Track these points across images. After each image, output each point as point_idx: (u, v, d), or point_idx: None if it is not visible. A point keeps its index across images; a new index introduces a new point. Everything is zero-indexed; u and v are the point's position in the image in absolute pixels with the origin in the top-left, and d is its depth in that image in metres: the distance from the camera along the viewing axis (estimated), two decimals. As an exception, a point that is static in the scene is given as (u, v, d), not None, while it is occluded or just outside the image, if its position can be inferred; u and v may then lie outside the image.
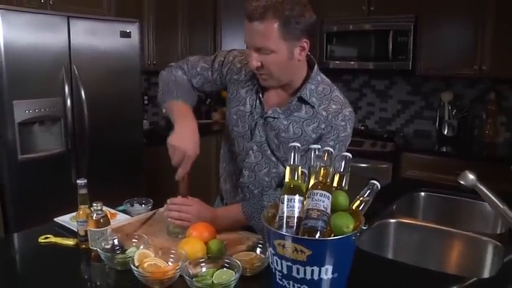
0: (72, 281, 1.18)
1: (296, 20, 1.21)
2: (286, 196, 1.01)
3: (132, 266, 1.07)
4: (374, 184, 1.08)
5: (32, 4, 2.63)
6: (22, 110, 2.35)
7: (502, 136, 3.35)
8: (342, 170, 1.10)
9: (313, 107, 1.36)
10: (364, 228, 0.98)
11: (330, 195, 1.00)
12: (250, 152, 1.45)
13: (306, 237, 0.94)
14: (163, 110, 1.49)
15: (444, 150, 3.27)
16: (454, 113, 3.39)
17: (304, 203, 1.01)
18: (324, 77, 1.42)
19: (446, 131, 3.39)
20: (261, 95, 1.41)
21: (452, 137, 3.39)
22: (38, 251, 1.34)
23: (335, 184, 1.09)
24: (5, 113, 2.31)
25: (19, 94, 2.34)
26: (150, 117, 3.95)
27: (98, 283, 1.19)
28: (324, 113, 1.35)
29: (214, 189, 3.63)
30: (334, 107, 1.35)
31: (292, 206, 1.00)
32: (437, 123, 3.47)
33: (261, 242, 1.25)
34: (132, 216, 1.57)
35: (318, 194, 0.98)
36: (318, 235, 0.95)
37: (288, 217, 0.99)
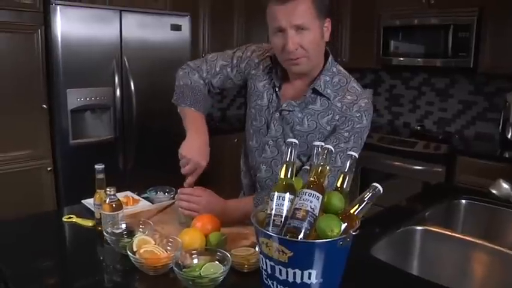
0: (82, 259, 1.24)
1: None
2: (276, 193, 0.98)
3: (128, 251, 1.11)
4: (376, 187, 1.02)
5: (91, 0, 2.80)
6: (74, 98, 2.52)
7: None
8: (345, 170, 1.05)
9: (328, 99, 1.32)
10: (354, 233, 0.92)
11: (321, 196, 0.95)
12: (266, 146, 1.43)
13: (287, 237, 0.91)
14: (178, 110, 1.52)
15: (506, 155, 2.98)
16: (521, 115, 3.08)
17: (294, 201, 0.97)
18: (341, 68, 1.38)
19: (510, 134, 3.09)
20: (277, 89, 1.39)
21: (518, 142, 3.09)
22: (59, 228, 1.44)
23: (338, 184, 1.05)
24: (60, 101, 2.49)
25: (72, 83, 2.51)
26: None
27: (104, 264, 1.24)
28: (339, 104, 1.31)
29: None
30: (349, 98, 1.31)
31: (281, 204, 0.97)
32: (500, 126, 3.18)
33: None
34: (153, 204, 1.62)
35: (307, 194, 0.94)
36: (300, 236, 0.91)
37: (275, 215, 0.96)
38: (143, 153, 2.84)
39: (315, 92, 1.33)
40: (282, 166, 1.03)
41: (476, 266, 1.49)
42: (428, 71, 3.64)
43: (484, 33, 2.99)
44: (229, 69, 1.50)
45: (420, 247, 1.57)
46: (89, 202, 1.59)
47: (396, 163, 3.29)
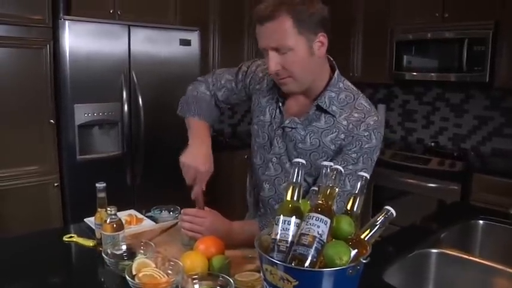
0: (81, 280, 1.20)
1: (310, 12, 1.14)
2: (281, 217, 0.93)
3: (126, 275, 1.05)
4: (388, 211, 0.96)
5: (101, 14, 2.80)
6: (82, 113, 2.51)
7: None
8: (355, 192, 0.99)
9: (333, 116, 1.25)
10: (364, 261, 0.86)
11: (329, 220, 0.89)
12: (270, 164, 1.38)
13: (292, 265, 0.85)
14: (186, 122, 1.48)
15: (525, 173, 2.88)
16: (540, 131, 2.98)
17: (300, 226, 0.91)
18: (349, 83, 1.31)
19: (529, 151, 2.99)
20: (280, 104, 1.34)
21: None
22: (60, 248, 1.39)
23: (348, 207, 0.99)
24: (67, 116, 2.48)
25: (80, 98, 2.50)
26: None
27: (105, 286, 1.19)
28: (345, 122, 1.24)
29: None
30: (356, 115, 1.24)
31: (287, 229, 0.91)
32: (518, 143, 3.08)
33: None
34: (156, 223, 1.57)
35: (314, 218, 0.88)
36: (306, 264, 0.85)
37: (280, 240, 0.91)
38: (151, 169, 2.81)
39: (319, 108, 1.27)
40: (288, 187, 0.98)
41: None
42: (443, 86, 3.56)
43: (500, 47, 2.91)
44: (233, 84, 1.46)
45: (435, 271, 1.48)
46: (91, 220, 1.54)
47: (409, 180, 3.20)
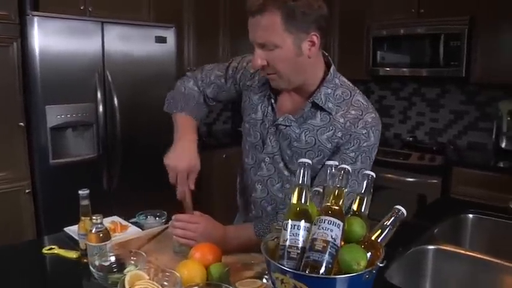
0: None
1: (302, 11, 1.08)
2: (290, 222, 0.87)
3: (119, 290, 0.97)
4: (399, 211, 0.92)
5: (71, 11, 2.66)
6: (54, 115, 2.37)
7: None
8: (362, 192, 0.95)
9: (329, 113, 1.21)
10: (381, 265, 0.81)
11: (341, 224, 0.84)
12: (262, 164, 1.32)
13: (307, 273, 0.80)
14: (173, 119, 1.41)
15: (501, 165, 2.94)
16: (514, 124, 3.05)
17: (311, 230, 0.86)
18: (345, 79, 1.27)
19: (504, 144, 3.05)
20: (273, 101, 1.28)
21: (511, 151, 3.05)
22: (39, 262, 1.28)
23: (354, 208, 0.94)
24: (38, 118, 2.33)
25: (52, 99, 2.36)
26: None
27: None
28: (341, 120, 1.20)
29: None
30: (353, 112, 1.20)
31: (296, 234, 0.86)
32: (494, 136, 3.14)
33: (270, 268, 1.11)
34: (143, 230, 1.49)
35: (326, 222, 0.83)
36: (322, 271, 0.79)
37: (290, 247, 0.85)
38: (129, 172, 2.69)
39: (315, 105, 1.22)
40: (294, 189, 0.92)
41: (492, 285, 1.40)
42: (418, 81, 3.60)
43: (475, 42, 2.96)
44: (223, 80, 1.40)
45: (432, 268, 1.47)
46: (72, 230, 1.44)
47: (389, 175, 3.20)
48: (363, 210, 0.94)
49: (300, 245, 0.85)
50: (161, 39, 2.83)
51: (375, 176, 0.96)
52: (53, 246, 1.33)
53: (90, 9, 2.76)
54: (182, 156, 1.24)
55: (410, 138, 3.57)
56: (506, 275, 1.37)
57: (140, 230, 1.49)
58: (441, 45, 3.04)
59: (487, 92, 3.28)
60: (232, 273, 1.11)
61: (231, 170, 3.57)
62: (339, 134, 1.19)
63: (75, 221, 1.48)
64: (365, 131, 1.18)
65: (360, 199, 0.95)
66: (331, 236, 0.82)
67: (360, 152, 1.19)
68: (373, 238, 0.90)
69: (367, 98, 1.26)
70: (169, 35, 2.88)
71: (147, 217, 1.55)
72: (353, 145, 1.19)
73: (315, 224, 0.85)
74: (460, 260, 1.43)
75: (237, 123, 4.18)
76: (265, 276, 1.09)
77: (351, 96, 1.23)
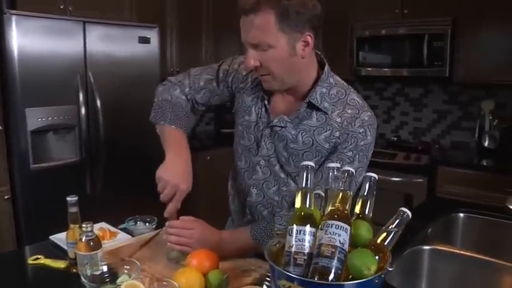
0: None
1: (296, 10, 1.05)
2: (295, 227, 0.84)
3: (115, 302, 0.92)
4: (404, 213, 0.90)
5: (51, 10, 2.57)
6: (35, 118, 2.28)
7: (551, 149, 3.03)
8: (365, 194, 0.92)
9: (325, 113, 1.19)
10: (390, 270, 0.79)
11: (349, 228, 0.82)
12: (258, 167, 1.28)
13: (316, 280, 0.77)
14: (157, 130, 1.35)
15: (485, 164, 2.98)
16: (496, 123, 3.10)
17: (317, 235, 0.83)
18: (338, 78, 1.25)
19: (487, 142, 3.10)
20: (266, 102, 1.25)
21: (494, 150, 3.10)
22: (25, 273, 1.22)
23: (356, 211, 0.92)
24: (17, 121, 2.24)
25: (32, 102, 2.27)
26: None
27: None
28: (338, 119, 1.18)
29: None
30: (350, 111, 1.18)
31: (302, 240, 0.83)
32: (476, 135, 3.19)
33: (270, 274, 1.08)
34: (133, 236, 1.43)
35: (334, 226, 0.81)
36: (331, 277, 0.77)
37: (296, 253, 0.82)
38: (113, 176, 2.62)
39: (310, 105, 1.19)
40: (297, 193, 0.90)
41: (488, 283, 1.40)
42: (402, 81, 3.63)
43: (458, 42, 3.00)
44: (214, 84, 1.35)
45: (428, 267, 1.46)
46: (58, 238, 1.38)
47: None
48: (366, 213, 0.91)
49: (307, 250, 0.82)
50: (145, 40, 2.77)
51: (377, 177, 0.94)
52: (39, 256, 1.26)
53: (70, 8, 2.68)
54: (182, 175, 1.19)
55: (395, 138, 3.60)
56: (499, 273, 1.37)
57: (130, 236, 1.44)
58: (425, 46, 3.06)
59: (469, 91, 3.32)
60: (230, 280, 1.08)
61: (215, 173, 3.54)
62: (337, 134, 1.17)
63: (58, 228, 1.42)
64: (362, 129, 1.17)
65: (362, 201, 0.92)
66: (339, 241, 0.79)
67: (357, 151, 1.17)
68: (378, 241, 0.88)
69: (361, 97, 1.24)
70: (153, 35, 2.82)
71: (136, 223, 1.50)
72: (350, 144, 1.17)
73: (321, 229, 0.82)
74: (455, 260, 1.44)
75: (220, 125, 4.14)
76: (266, 283, 1.06)
77: (346, 95, 1.21)
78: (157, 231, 1.44)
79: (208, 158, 3.43)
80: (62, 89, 2.38)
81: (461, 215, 1.79)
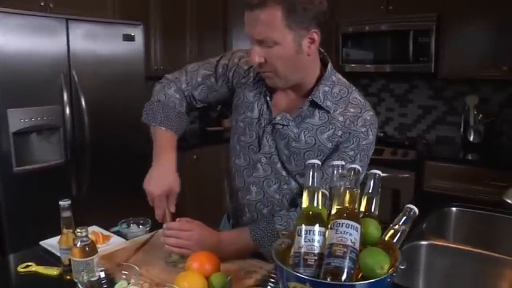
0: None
1: (303, 6, 1.03)
2: (304, 227, 0.82)
3: (116, 310, 0.89)
4: (411, 210, 0.89)
5: (30, 7, 2.49)
6: (17, 119, 2.20)
7: (534, 143, 3.10)
8: (370, 191, 0.91)
9: (328, 111, 1.17)
10: (402, 267, 0.78)
11: (359, 226, 0.80)
12: (259, 164, 1.26)
13: (329, 281, 0.75)
14: (151, 131, 1.32)
15: (470, 158, 3.03)
16: (480, 118, 3.15)
17: (326, 235, 0.81)
18: (341, 77, 1.24)
19: (472, 137, 3.15)
20: (268, 98, 1.23)
21: (479, 144, 3.15)
22: (16, 282, 1.17)
23: (362, 209, 0.90)
24: (-1, 123, 2.16)
25: (14, 102, 2.19)
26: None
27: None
28: (341, 118, 1.16)
29: (225, 205, 3.41)
30: (352, 110, 1.17)
31: (312, 240, 0.81)
32: (461, 129, 3.24)
33: (273, 275, 1.05)
34: (127, 240, 1.39)
35: (344, 225, 0.79)
36: (344, 277, 0.75)
37: (306, 253, 0.80)
38: (99, 177, 2.56)
39: (313, 104, 1.18)
40: (304, 192, 0.88)
41: (485, 276, 1.41)
42: (387, 77, 3.66)
43: (442, 39, 3.03)
44: (213, 80, 1.32)
45: (426, 262, 1.47)
46: (49, 244, 1.33)
47: (363, 171, 3.23)
48: (372, 211, 0.90)
49: (317, 250, 0.80)
50: (129, 38, 2.70)
51: (381, 174, 0.93)
52: (29, 263, 1.21)
53: (51, 5, 2.61)
54: (159, 181, 1.19)
55: (381, 134, 3.62)
56: (495, 265, 1.39)
57: (124, 239, 1.39)
58: (410, 42, 3.09)
59: (453, 87, 3.37)
60: (233, 282, 1.05)
61: (202, 172, 3.50)
62: (339, 133, 1.16)
63: (45, 233, 1.37)
64: (364, 129, 1.16)
65: (368, 199, 0.91)
66: (351, 240, 0.77)
67: (358, 151, 1.16)
68: (386, 239, 0.87)
69: (363, 96, 1.23)
70: (137, 33, 2.76)
71: (129, 225, 1.46)
72: (352, 143, 1.16)
73: (331, 228, 0.80)
74: (452, 254, 1.45)
75: (205, 123, 4.10)
76: (271, 284, 1.03)
77: (348, 93, 1.20)
78: (152, 233, 1.40)
79: (194, 157, 3.39)
80: (45, 88, 2.31)
81: (454, 209, 1.81)
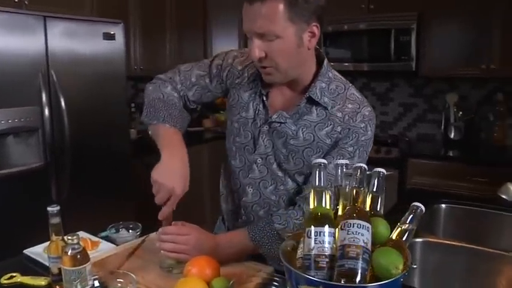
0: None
1: None
2: (313, 228, 0.80)
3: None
4: (418, 207, 0.88)
5: (3, 3, 2.38)
6: (-7, 121, 2.10)
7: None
8: (375, 190, 0.89)
9: (325, 108, 1.16)
10: (414, 267, 0.76)
11: (370, 226, 0.78)
12: (254, 165, 1.23)
13: (343, 283, 0.73)
14: (149, 132, 1.26)
15: (451, 154, 3.08)
16: (460, 115, 3.21)
17: (336, 236, 0.79)
18: (337, 73, 1.23)
19: (452, 134, 3.21)
20: (264, 98, 1.20)
21: (459, 141, 3.22)
22: (0, 294, 1.10)
23: (367, 207, 0.89)
24: (-27, 125, 2.06)
25: (-11, 103, 2.09)
26: (137, 125, 3.70)
27: (75, 337, 0.96)
28: (339, 114, 1.15)
29: (208, 206, 3.44)
30: (350, 106, 1.15)
31: (322, 241, 0.78)
32: (442, 127, 3.29)
33: (276, 277, 1.03)
34: (117, 245, 1.34)
35: (356, 225, 0.77)
36: (358, 279, 0.73)
37: (317, 256, 0.77)
38: (80, 180, 2.47)
39: (310, 100, 1.16)
40: (310, 193, 0.85)
41: (479, 271, 1.42)
42: (368, 75, 3.68)
43: (423, 38, 3.07)
44: (207, 80, 1.28)
45: (421, 259, 1.47)
46: (35, 252, 1.26)
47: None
48: (378, 210, 0.89)
49: (328, 252, 0.78)
50: (109, 36, 2.62)
51: (385, 172, 0.92)
52: (14, 274, 1.15)
53: (26, 2, 2.51)
54: (178, 177, 1.11)
55: (364, 132, 3.64)
56: (486, 260, 1.41)
57: (114, 245, 1.34)
58: (392, 40, 3.11)
59: (433, 84, 3.42)
60: (235, 287, 1.02)
61: (190, 173, 3.44)
62: (338, 129, 1.15)
63: (26, 239, 1.31)
64: (363, 124, 1.15)
65: (373, 198, 0.90)
66: (363, 241, 0.76)
67: (358, 147, 1.15)
68: (393, 238, 0.85)
69: (360, 92, 1.22)
70: (118, 31, 2.68)
71: (118, 230, 1.40)
72: (351, 139, 1.14)
73: (341, 229, 0.78)
74: (445, 250, 1.46)
75: (190, 124, 4.03)
76: (274, 286, 1.01)
77: (345, 89, 1.18)
78: (143, 237, 1.35)
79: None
80: (23, 89, 2.21)
81: (443, 205, 1.82)
